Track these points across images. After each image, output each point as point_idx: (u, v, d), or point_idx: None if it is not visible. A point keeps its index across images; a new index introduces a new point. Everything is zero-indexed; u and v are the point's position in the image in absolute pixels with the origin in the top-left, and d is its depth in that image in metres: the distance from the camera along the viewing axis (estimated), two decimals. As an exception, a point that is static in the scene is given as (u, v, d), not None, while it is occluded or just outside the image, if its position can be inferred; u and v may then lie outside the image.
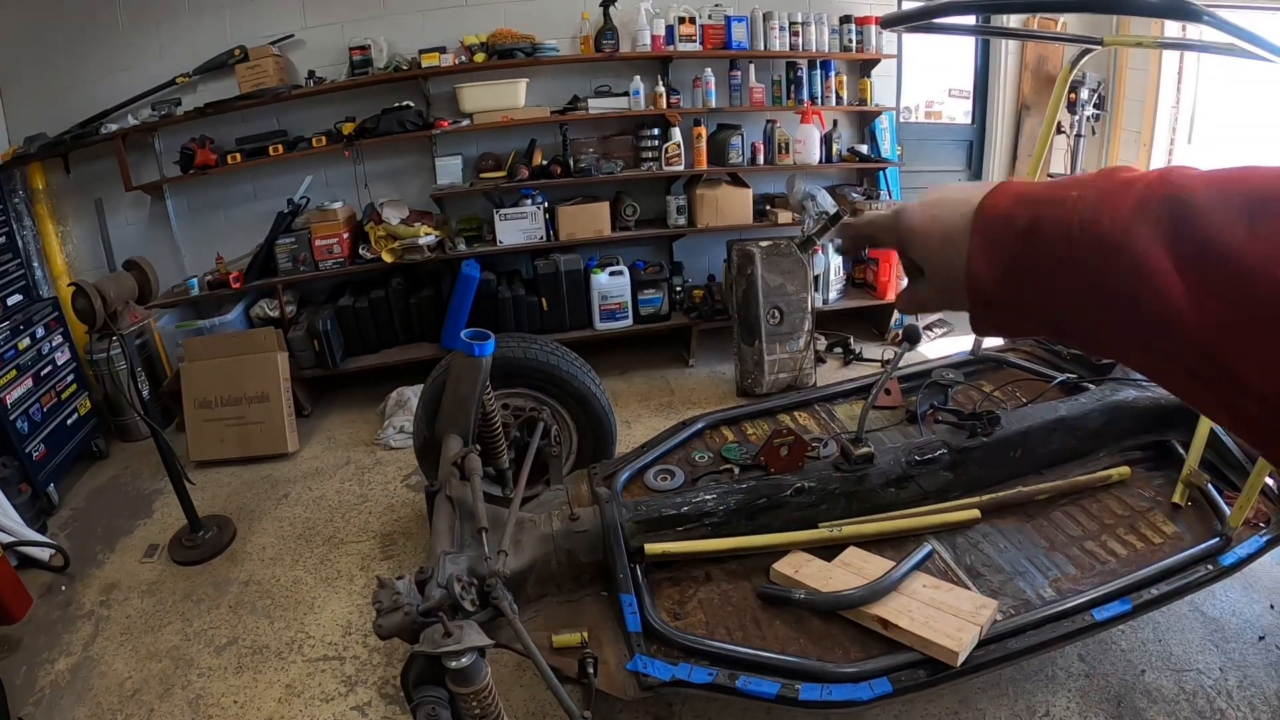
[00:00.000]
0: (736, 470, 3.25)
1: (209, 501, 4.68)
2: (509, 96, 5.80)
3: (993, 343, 4.47)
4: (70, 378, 5.26)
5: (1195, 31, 5.28)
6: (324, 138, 5.71)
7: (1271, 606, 3.64)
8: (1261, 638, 3.44)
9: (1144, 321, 0.59)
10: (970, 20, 4.29)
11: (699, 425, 3.63)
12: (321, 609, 3.77)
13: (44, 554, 4.20)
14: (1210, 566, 2.92)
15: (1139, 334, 0.61)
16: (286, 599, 3.86)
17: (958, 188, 0.80)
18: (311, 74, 5.77)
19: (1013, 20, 6.72)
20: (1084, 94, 6.68)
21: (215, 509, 4.61)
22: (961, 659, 2.43)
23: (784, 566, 2.83)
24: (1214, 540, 3.00)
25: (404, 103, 5.78)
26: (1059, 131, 6.86)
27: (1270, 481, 3.22)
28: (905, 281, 0.93)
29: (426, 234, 5.65)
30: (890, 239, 0.90)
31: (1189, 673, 3.25)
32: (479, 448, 3.05)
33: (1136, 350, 0.63)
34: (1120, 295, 0.60)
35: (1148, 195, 0.59)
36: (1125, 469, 3.48)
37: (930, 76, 7.63)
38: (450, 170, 5.95)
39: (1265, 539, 3.05)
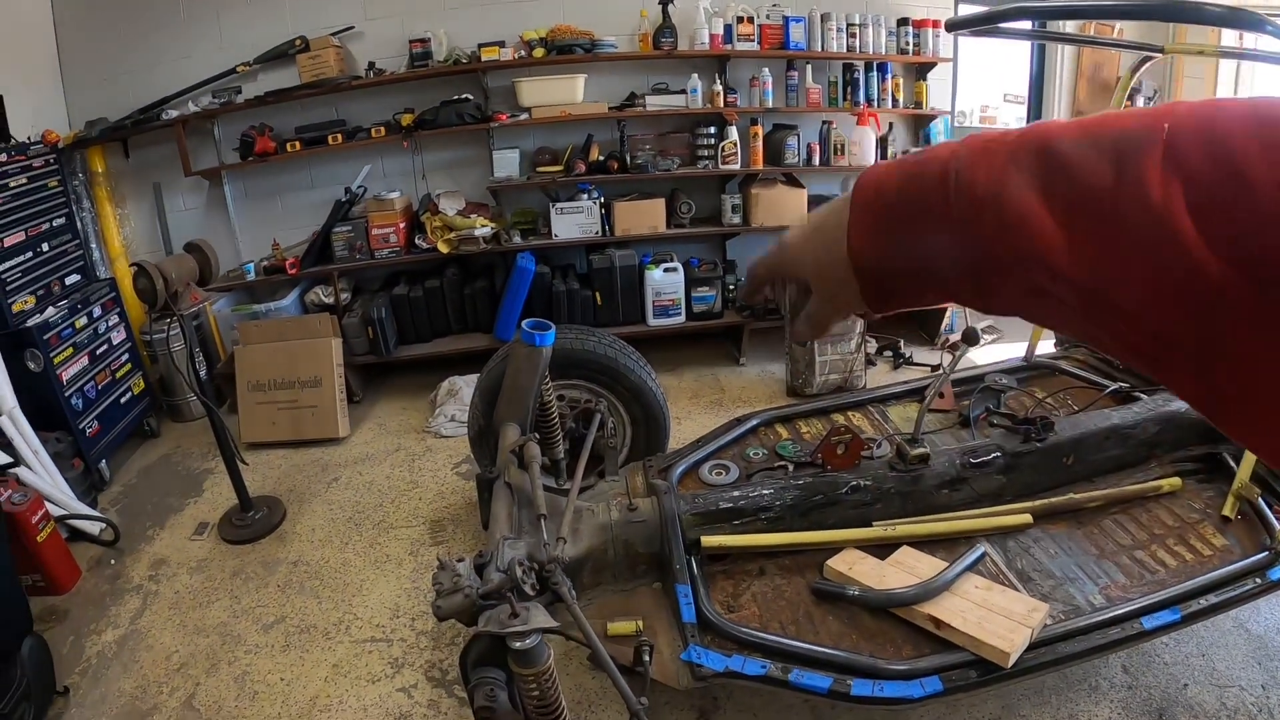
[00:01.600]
0: (791, 467, 3.27)
1: (259, 483, 4.74)
2: (567, 92, 5.83)
3: (1046, 349, 4.45)
4: (125, 357, 5.34)
5: (1253, 40, 5.25)
6: (382, 128, 5.76)
7: None
8: None
9: (1027, 269, 0.61)
10: (1029, 25, 4.28)
11: (753, 422, 3.65)
12: (370, 591, 3.81)
13: (94, 528, 4.28)
14: (1259, 580, 2.90)
15: (1024, 282, 0.62)
16: (335, 580, 3.91)
17: (830, 202, 0.82)
18: (371, 65, 5.83)
19: (1070, 26, 6.67)
20: (1140, 102, 6.61)
21: (265, 490, 4.67)
22: (1013, 660, 2.44)
23: (838, 563, 2.84)
24: (1263, 554, 2.98)
25: (462, 95, 5.82)
26: (1113, 140, 6.79)
27: (1322, 498, 3.20)
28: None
29: (482, 226, 5.69)
30: (778, 264, 0.92)
31: (1231, 689, 3.22)
32: (538, 436, 3.08)
33: (1026, 298, 0.64)
34: (1002, 246, 0.62)
35: (1019, 149, 0.61)
36: (1176, 480, 3.46)
37: (986, 81, 7.59)
38: (507, 163, 5.97)
39: (1315, 555, 3.04)
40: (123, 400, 5.19)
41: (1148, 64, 3.98)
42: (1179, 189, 0.53)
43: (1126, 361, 0.62)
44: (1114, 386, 3.95)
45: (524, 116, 5.88)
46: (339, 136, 5.74)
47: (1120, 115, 0.59)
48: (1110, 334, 0.60)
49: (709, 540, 2.83)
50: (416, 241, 5.84)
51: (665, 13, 5.84)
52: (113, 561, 4.18)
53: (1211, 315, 0.52)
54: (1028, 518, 3.16)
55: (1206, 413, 0.58)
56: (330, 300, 5.77)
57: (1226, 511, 3.26)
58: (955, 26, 3.37)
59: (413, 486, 4.68)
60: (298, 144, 5.72)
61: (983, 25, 3.31)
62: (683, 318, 6.25)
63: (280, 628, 3.61)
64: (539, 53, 5.76)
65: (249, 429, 5.25)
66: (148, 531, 4.42)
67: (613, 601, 2.72)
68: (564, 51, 5.76)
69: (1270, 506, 3.22)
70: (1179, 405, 3.64)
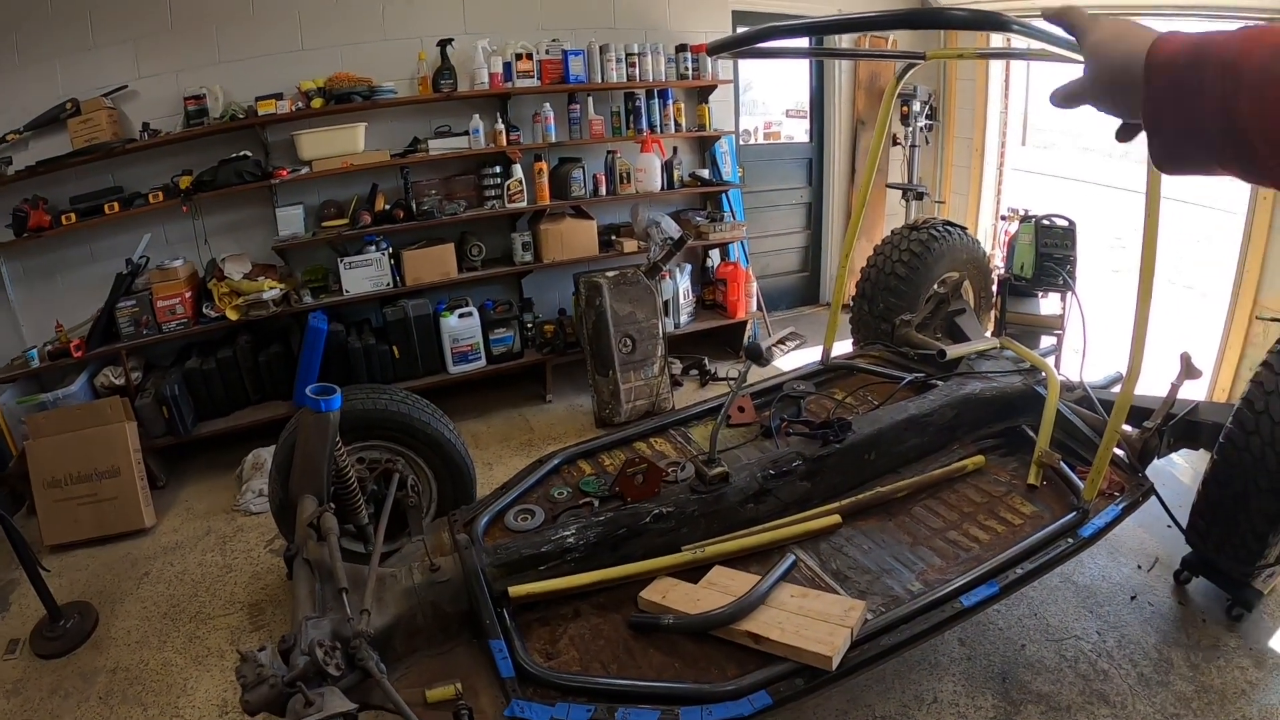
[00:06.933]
0: (596, 503, 3.27)
1: (68, 587, 4.43)
2: (348, 141, 5.73)
3: (841, 350, 4.60)
4: (-93, 469, 4.94)
5: (1024, 43, 5.57)
6: (160, 193, 5.50)
7: (1139, 567, 3.89)
8: (1133, 597, 3.67)
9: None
10: (803, 43, 4.45)
11: (555, 461, 3.64)
12: (194, 690, 3.61)
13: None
14: (1071, 540, 3.10)
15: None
16: (157, 683, 3.68)
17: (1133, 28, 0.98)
18: (146, 126, 5.53)
19: (845, 41, 6.96)
20: (916, 106, 6.96)
21: (75, 594, 4.36)
22: (836, 662, 2.49)
23: (651, 594, 2.85)
24: (1072, 514, 3.19)
25: (242, 153, 5.63)
26: (895, 143, 7.15)
27: (1120, 452, 3.42)
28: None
29: (271, 288, 5.52)
30: (1077, 23, 1.05)
31: (1068, 640, 3.43)
32: (334, 506, 3.00)
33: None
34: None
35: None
36: (979, 458, 3.65)
37: (768, 99, 7.88)
38: (292, 220, 5.82)
39: (1121, 506, 3.26)
40: (-89, 517, 4.78)
41: (912, 70, 4.20)
42: None
43: None
44: (910, 378, 4.13)
45: (306, 170, 5.75)
46: (116, 205, 5.42)
47: None
48: None
49: (517, 590, 2.80)
50: (205, 310, 5.58)
51: (444, 54, 5.83)
52: (-76, 700, 3.84)
53: None
54: (836, 518, 3.26)
55: None
56: (121, 381, 5.44)
57: (1031, 479, 3.46)
58: (716, 50, 3.45)
59: (227, 571, 4.48)
60: (73, 216, 5.36)
61: (741, 46, 3.40)
62: (483, 362, 6.24)
63: (107, 744, 3.39)
64: (317, 103, 5.64)
65: (50, 530, 4.89)
66: (-44, 658, 4.08)
67: (431, 665, 2.65)
68: (343, 100, 5.66)
69: (1073, 468, 3.42)
70: (973, 387, 3.83)
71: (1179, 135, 0.91)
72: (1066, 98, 1.06)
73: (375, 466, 3.65)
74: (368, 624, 2.43)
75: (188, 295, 5.50)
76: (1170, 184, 2.89)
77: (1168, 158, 0.94)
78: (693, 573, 2.98)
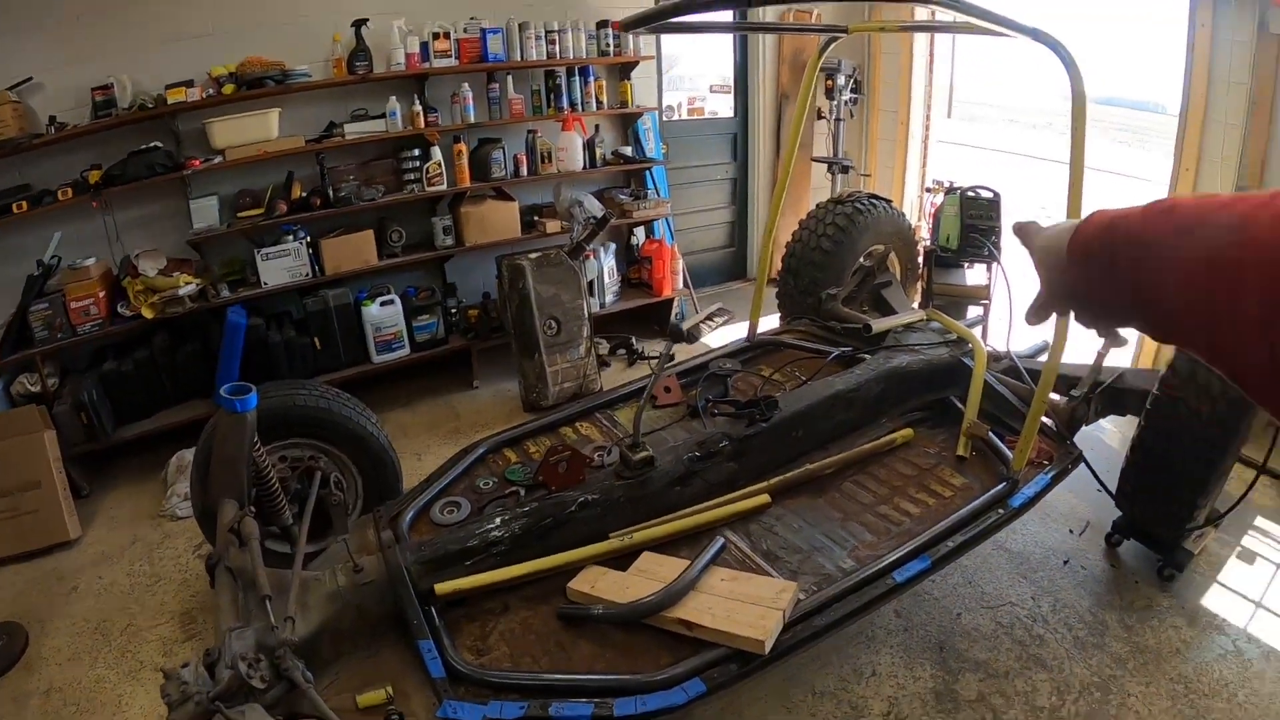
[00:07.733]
0: (522, 492, 3.24)
1: (-5, 609, 4.31)
2: (261, 128, 5.58)
3: (768, 326, 4.60)
4: None
5: (949, 15, 5.60)
6: (70, 189, 5.26)
7: (1071, 531, 3.97)
8: (1066, 561, 3.74)
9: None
10: (725, 17, 4.41)
11: (480, 450, 3.60)
12: (129, 706, 3.52)
13: None
14: (1001, 510, 3.13)
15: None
16: (91, 702, 3.58)
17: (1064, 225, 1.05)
18: (53, 120, 5.31)
19: (768, 15, 6.93)
20: (840, 80, 6.98)
21: (2, 615, 4.20)
22: (769, 646, 2.49)
23: (580, 584, 2.83)
24: (1001, 485, 3.22)
25: (153, 144, 5.43)
26: (820, 117, 7.16)
27: (1048, 421, 3.46)
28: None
29: (187, 283, 5.35)
30: (1027, 235, 1.12)
31: (1003, 607, 3.49)
32: (254, 509, 2.93)
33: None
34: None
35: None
36: (908, 431, 3.67)
37: (693, 75, 7.89)
38: (206, 212, 5.64)
39: (1050, 475, 3.31)
40: None
41: (834, 44, 4.19)
42: None
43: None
44: (837, 352, 4.13)
45: (219, 160, 5.56)
46: (24, 204, 5.19)
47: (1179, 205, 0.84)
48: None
49: (443, 587, 2.75)
50: (119, 310, 5.39)
51: (359, 35, 5.71)
52: None
53: None
54: (765, 498, 3.26)
55: None
56: (38, 388, 5.27)
57: (960, 451, 3.50)
58: (630, 26, 3.41)
59: (156, 580, 4.36)
60: (-21, 218, 5.18)
61: (655, 21, 3.36)
62: (407, 350, 6.17)
63: (45, 770, 3.28)
64: (229, 89, 5.46)
65: (-30, 549, 4.74)
66: (-115, 692, 3.93)
67: (361, 669, 2.60)
68: (255, 85, 5.49)
69: (1002, 439, 3.45)
70: (900, 361, 3.85)
71: (1099, 304, 0.98)
72: (1035, 313, 1.13)
73: (298, 465, 3.58)
74: (292, 631, 2.38)
75: (101, 295, 5.32)
76: (1093, 154, 2.91)
77: (1092, 320, 1.03)
78: (622, 560, 2.96)
